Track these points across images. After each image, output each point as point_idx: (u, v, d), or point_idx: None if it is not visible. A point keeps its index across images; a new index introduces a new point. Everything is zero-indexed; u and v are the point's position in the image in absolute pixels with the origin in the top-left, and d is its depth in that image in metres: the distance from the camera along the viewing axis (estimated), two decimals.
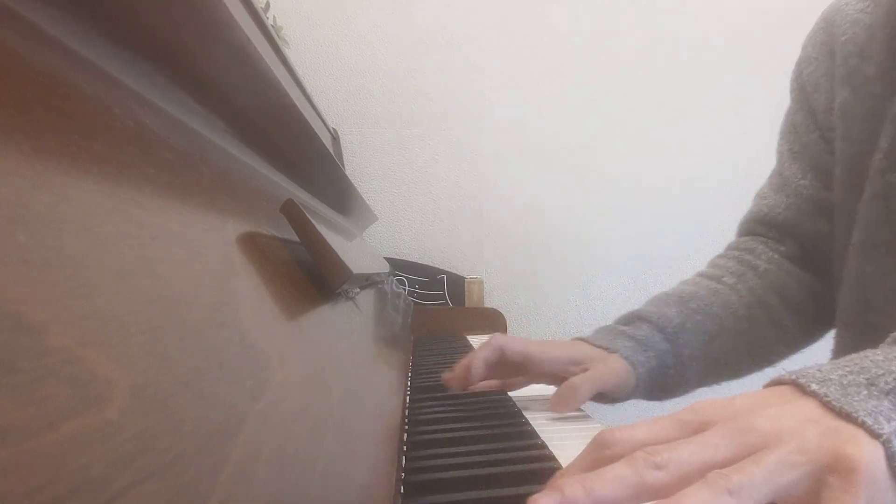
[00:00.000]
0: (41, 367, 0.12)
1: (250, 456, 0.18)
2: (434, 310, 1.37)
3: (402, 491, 0.37)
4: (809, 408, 0.29)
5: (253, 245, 0.30)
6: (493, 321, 1.31)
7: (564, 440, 0.49)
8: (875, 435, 0.26)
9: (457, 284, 1.41)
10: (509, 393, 0.64)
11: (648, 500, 0.26)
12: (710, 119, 1.54)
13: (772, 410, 0.29)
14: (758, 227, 0.70)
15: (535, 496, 0.25)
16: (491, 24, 1.47)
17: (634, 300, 1.56)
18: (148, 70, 0.27)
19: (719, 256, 0.72)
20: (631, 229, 1.53)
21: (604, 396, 0.58)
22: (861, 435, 0.26)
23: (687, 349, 0.61)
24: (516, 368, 0.60)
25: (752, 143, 1.55)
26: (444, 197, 1.48)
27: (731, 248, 0.72)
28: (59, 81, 0.19)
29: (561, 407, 0.55)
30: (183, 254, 0.21)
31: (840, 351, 0.60)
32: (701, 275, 0.70)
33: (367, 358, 0.47)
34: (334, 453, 0.26)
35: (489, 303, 1.45)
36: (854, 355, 0.32)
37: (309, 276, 0.39)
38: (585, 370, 0.56)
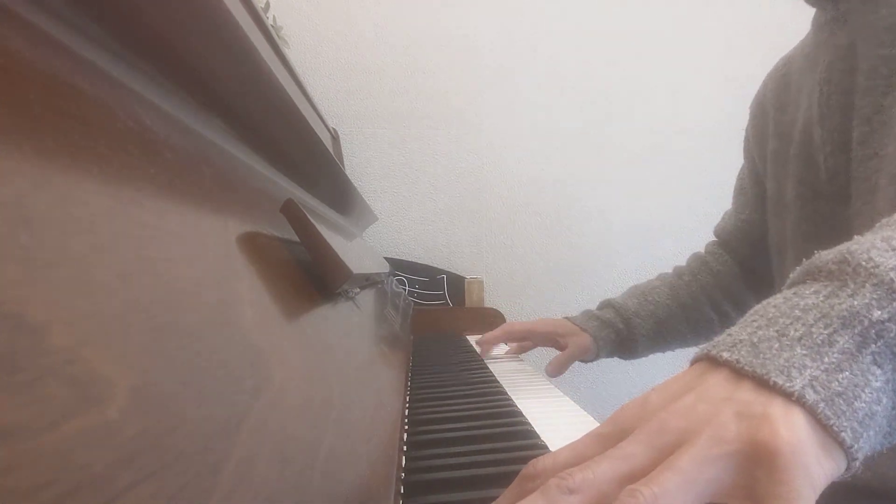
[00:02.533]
0: (42, 367, 0.12)
1: (250, 455, 0.18)
2: (434, 310, 1.37)
3: (402, 491, 0.37)
4: (722, 382, 0.27)
5: (253, 245, 0.30)
6: (492, 321, 1.31)
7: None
8: (787, 395, 0.25)
9: (457, 284, 1.41)
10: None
11: None
12: (713, 119, 1.54)
13: (685, 400, 0.27)
14: (717, 236, 0.92)
15: None
16: (491, 24, 1.47)
17: None
18: (148, 70, 0.27)
19: (695, 254, 0.95)
20: (632, 228, 1.53)
21: (580, 358, 0.87)
22: (774, 405, 0.25)
23: (638, 330, 0.87)
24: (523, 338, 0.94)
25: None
26: (444, 197, 1.48)
27: (706, 246, 0.94)
28: (60, 82, 0.19)
29: (554, 372, 0.85)
30: (183, 254, 0.21)
31: None
32: (675, 270, 0.94)
33: (367, 358, 0.47)
34: (334, 453, 0.26)
35: (489, 303, 1.45)
36: (758, 307, 0.31)
37: (309, 276, 0.39)
38: (566, 341, 0.88)
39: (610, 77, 1.51)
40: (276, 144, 0.46)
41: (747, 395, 0.26)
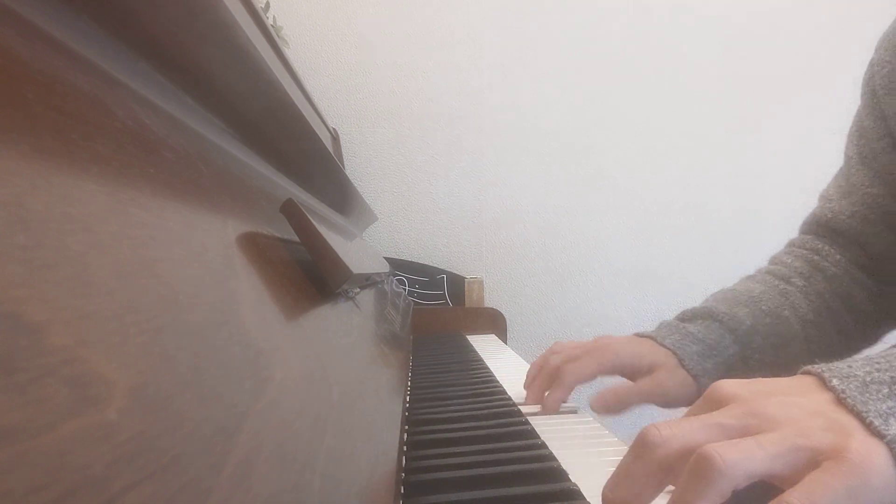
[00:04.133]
0: (41, 367, 0.12)
1: (250, 455, 0.18)
2: (434, 310, 1.37)
3: (402, 491, 0.37)
4: (822, 402, 0.29)
5: (253, 245, 0.30)
6: (493, 321, 1.31)
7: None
8: (879, 435, 0.27)
9: (457, 284, 1.41)
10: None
11: (661, 476, 0.28)
12: (711, 117, 1.54)
13: (785, 399, 0.30)
14: (822, 230, 0.67)
15: None
16: (491, 24, 1.47)
17: (634, 299, 1.56)
18: (148, 70, 0.27)
19: (784, 254, 0.69)
20: (631, 228, 1.53)
21: (659, 400, 0.56)
22: (861, 432, 0.27)
23: (756, 354, 0.59)
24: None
25: (753, 142, 1.55)
26: (444, 196, 1.48)
27: (794, 245, 0.69)
28: (59, 81, 0.19)
29: (601, 410, 0.54)
30: (183, 253, 0.21)
31: None
32: (768, 272, 0.67)
33: (367, 357, 0.47)
34: (334, 453, 0.26)
35: (489, 303, 1.45)
36: (890, 349, 0.33)
37: (309, 276, 0.39)
38: (648, 372, 0.55)
39: (610, 76, 1.51)
40: (276, 144, 0.46)
41: (841, 418, 0.28)
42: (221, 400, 0.18)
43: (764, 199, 1.55)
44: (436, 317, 1.33)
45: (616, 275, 1.52)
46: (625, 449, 0.50)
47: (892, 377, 0.29)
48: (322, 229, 0.38)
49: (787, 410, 0.29)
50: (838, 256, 0.64)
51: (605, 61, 1.51)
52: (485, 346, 1.08)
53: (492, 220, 1.50)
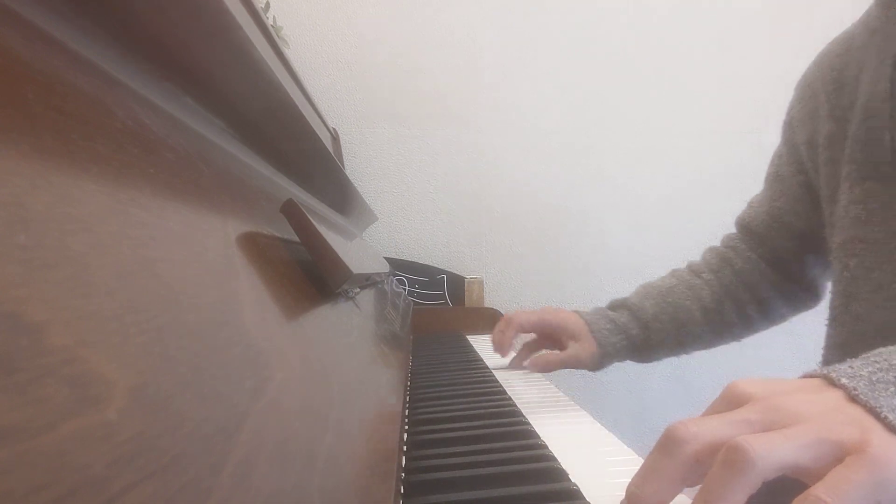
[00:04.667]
0: (41, 367, 0.12)
1: (250, 455, 0.18)
2: (434, 310, 1.37)
3: (402, 491, 0.37)
4: (836, 398, 0.31)
5: (253, 245, 0.30)
6: (493, 321, 1.31)
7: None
8: (895, 430, 0.28)
9: (457, 284, 1.41)
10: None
11: (688, 472, 0.29)
12: (713, 116, 1.54)
13: (802, 395, 0.31)
14: (742, 229, 0.83)
15: None
16: (491, 24, 1.47)
17: None
18: (148, 70, 0.27)
19: (709, 249, 0.87)
20: (631, 228, 1.53)
21: (572, 367, 0.79)
22: (881, 428, 0.28)
23: (656, 335, 0.79)
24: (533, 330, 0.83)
25: (754, 137, 1.55)
26: (443, 196, 1.48)
27: (723, 241, 0.86)
28: (59, 81, 0.19)
29: (538, 369, 0.79)
30: (183, 254, 0.21)
31: (830, 343, 0.65)
32: (689, 267, 0.86)
33: (367, 357, 0.47)
34: (334, 453, 0.26)
35: (489, 303, 1.45)
36: (883, 350, 0.34)
37: (309, 276, 0.39)
38: (568, 342, 0.78)
39: (609, 77, 1.51)
40: (276, 144, 0.46)
41: (857, 413, 0.29)
42: (221, 400, 0.18)
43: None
44: (436, 317, 1.33)
45: (616, 275, 1.52)
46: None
47: (895, 377, 0.31)
48: (322, 229, 0.38)
49: (808, 406, 0.30)
50: (749, 253, 0.81)
51: (605, 61, 1.51)
52: (485, 346, 1.08)
53: (492, 220, 1.50)
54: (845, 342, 0.60)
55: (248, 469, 0.18)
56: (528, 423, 0.52)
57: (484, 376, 0.74)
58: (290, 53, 1.08)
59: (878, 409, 0.29)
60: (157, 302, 0.18)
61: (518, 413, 0.55)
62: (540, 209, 1.50)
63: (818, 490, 0.25)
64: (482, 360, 0.88)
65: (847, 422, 0.29)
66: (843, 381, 0.31)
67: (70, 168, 0.17)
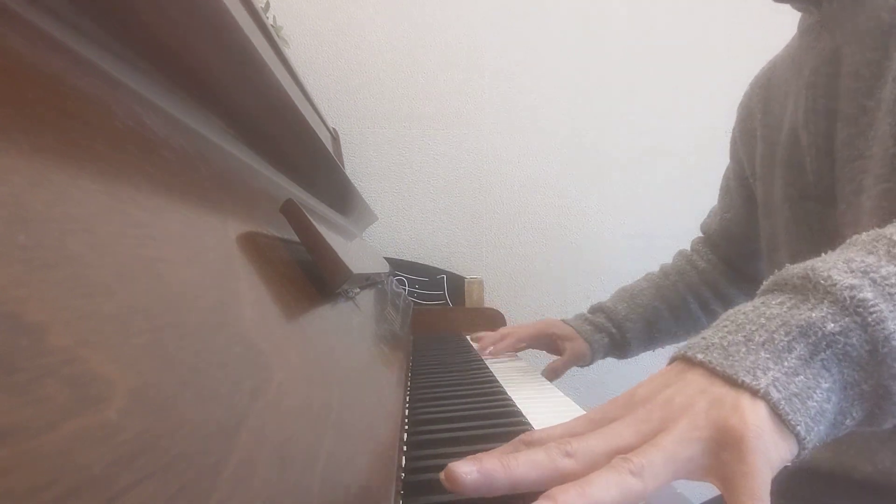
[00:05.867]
0: (41, 367, 0.12)
1: (250, 456, 0.18)
2: (434, 310, 1.37)
3: (402, 491, 0.37)
4: (697, 379, 0.31)
5: (253, 245, 0.30)
6: (493, 321, 1.31)
7: None
8: (754, 391, 0.29)
9: (457, 284, 1.41)
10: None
11: (557, 484, 0.27)
12: (712, 119, 1.54)
13: (666, 393, 0.31)
14: (703, 233, 0.94)
15: (454, 464, 0.28)
16: (491, 24, 1.47)
17: None
18: (148, 70, 0.27)
19: (680, 251, 0.98)
20: (630, 228, 1.53)
21: (577, 364, 0.91)
22: (742, 399, 0.29)
23: (629, 333, 0.91)
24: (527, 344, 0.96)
25: None
26: (443, 197, 1.48)
27: (692, 242, 0.96)
28: (59, 81, 0.19)
29: (552, 377, 0.88)
30: (183, 253, 0.21)
31: None
32: (661, 269, 0.96)
33: (367, 357, 0.47)
34: (334, 453, 0.26)
35: (489, 303, 1.45)
36: (729, 312, 0.35)
37: (309, 276, 0.39)
38: (564, 345, 0.91)
39: (609, 77, 1.51)
40: (276, 144, 0.46)
41: (719, 390, 0.30)
42: (221, 400, 0.18)
43: None
44: (436, 317, 1.33)
45: (615, 275, 1.52)
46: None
47: (744, 336, 0.32)
48: (322, 229, 0.38)
49: (672, 403, 0.30)
50: (710, 255, 0.91)
51: (606, 61, 1.51)
52: None
53: (492, 220, 1.50)
54: None
55: (248, 469, 0.18)
56: (529, 424, 0.51)
57: (484, 376, 0.74)
58: (290, 53, 1.08)
59: (734, 376, 0.30)
60: (157, 302, 0.18)
61: (518, 413, 0.55)
62: (540, 209, 1.50)
63: (740, 502, 0.27)
64: (482, 361, 0.88)
65: (710, 406, 0.29)
66: (699, 356, 0.32)
67: (70, 167, 0.17)
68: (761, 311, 0.33)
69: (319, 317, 0.37)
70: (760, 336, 0.31)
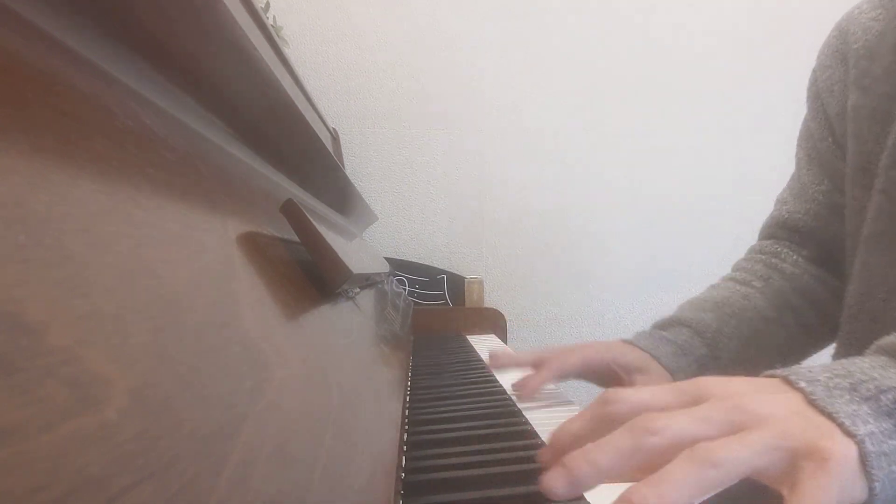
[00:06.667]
0: (40, 367, 0.12)
1: (250, 456, 0.18)
2: (434, 310, 1.37)
3: (402, 491, 0.37)
4: (796, 401, 0.32)
5: (253, 245, 0.30)
6: (493, 321, 1.31)
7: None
8: (851, 435, 0.29)
9: (457, 284, 1.41)
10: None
11: (644, 461, 0.29)
12: (712, 119, 1.54)
13: (763, 396, 0.32)
14: (779, 231, 0.72)
15: (546, 477, 0.29)
16: (491, 24, 1.47)
17: (633, 300, 1.56)
18: (148, 70, 0.27)
19: (744, 260, 0.74)
20: (630, 228, 1.53)
21: None
22: (838, 432, 0.30)
23: (725, 353, 0.64)
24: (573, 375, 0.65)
25: (754, 144, 1.55)
26: (444, 197, 1.48)
27: (754, 251, 0.75)
28: (59, 81, 0.19)
29: None
30: (183, 253, 0.21)
31: (842, 342, 0.61)
32: (730, 279, 0.72)
33: (367, 357, 0.47)
34: (334, 453, 0.26)
35: (489, 303, 1.45)
36: (843, 360, 0.35)
37: (309, 275, 0.39)
38: (634, 378, 0.61)
39: (610, 76, 1.51)
40: (276, 144, 0.46)
41: (816, 418, 0.31)
42: (221, 400, 0.18)
43: (764, 200, 1.55)
44: (436, 317, 1.33)
45: (616, 275, 1.52)
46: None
47: (850, 384, 0.32)
48: (322, 229, 0.38)
49: (768, 408, 0.31)
50: (795, 256, 0.70)
51: (606, 62, 1.51)
52: (485, 346, 1.08)
53: (492, 220, 1.50)
54: (858, 340, 0.56)
55: (248, 469, 0.18)
56: (529, 423, 0.51)
57: (484, 376, 0.74)
58: (290, 53, 1.08)
59: (834, 415, 0.30)
60: (156, 302, 0.18)
61: (518, 413, 0.55)
62: (541, 210, 1.50)
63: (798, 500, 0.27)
64: (482, 361, 0.88)
65: (806, 427, 0.30)
66: (802, 384, 0.32)
67: (70, 167, 0.17)
68: (875, 370, 0.33)
69: (319, 317, 0.37)
70: (868, 391, 0.32)
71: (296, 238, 0.38)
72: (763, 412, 0.30)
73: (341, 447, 0.27)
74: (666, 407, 0.32)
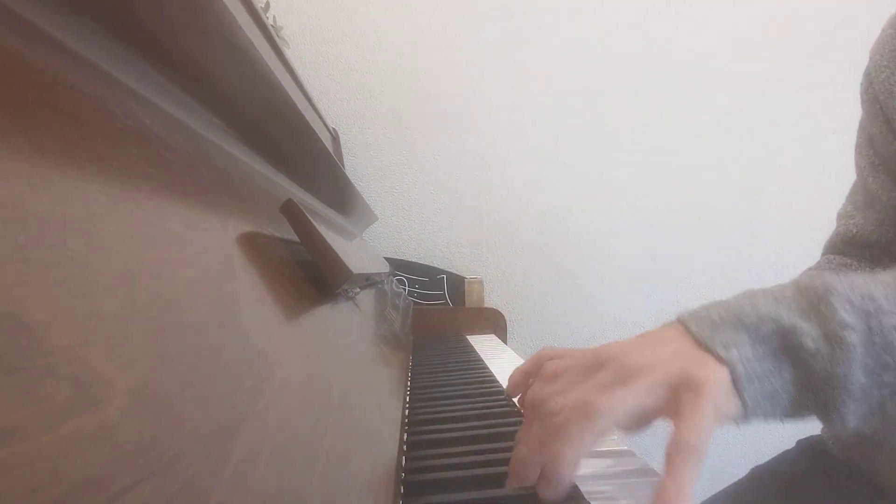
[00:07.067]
0: (41, 367, 0.12)
1: (250, 456, 0.18)
2: (434, 310, 1.37)
3: (402, 491, 0.37)
4: (682, 344, 0.36)
5: (253, 245, 0.30)
6: (493, 321, 1.31)
7: None
8: (722, 360, 0.34)
9: (457, 284, 1.41)
10: None
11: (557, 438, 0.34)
12: (712, 119, 1.54)
13: (650, 349, 0.37)
14: (847, 248, 0.65)
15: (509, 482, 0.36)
16: (491, 24, 1.47)
17: (634, 299, 1.56)
18: (148, 70, 0.27)
19: (813, 268, 0.66)
20: (630, 228, 1.53)
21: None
22: (711, 360, 0.34)
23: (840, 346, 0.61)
24: None
25: (754, 144, 1.55)
26: (444, 197, 1.48)
27: (820, 266, 0.66)
28: (59, 81, 0.19)
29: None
30: (183, 254, 0.21)
31: None
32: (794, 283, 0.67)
33: (367, 357, 0.47)
34: (334, 453, 0.26)
35: (489, 303, 1.45)
36: (750, 290, 0.39)
37: (309, 276, 0.39)
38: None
39: (610, 76, 1.51)
40: (276, 144, 0.46)
41: (692, 351, 0.35)
42: (221, 400, 0.18)
43: (764, 199, 1.55)
44: (436, 317, 1.33)
45: (616, 275, 1.52)
46: None
47: (737, 316, 0.36)
48: (322, 229, 0.38)
49: (651, 357, 0.35)
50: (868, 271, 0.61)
51: (606, 61, 1.51)
52: (485, 346, 1.08)
53: (492, 220, 1.50)
54: None
55: (248, 469, 0.18)
56: None
57: (484, 376, 0.74)
58: (290, 53, 1.08)
59: (711, 347, 0.35)
60: (156, 302, 0.18)
61: (518, 413, 0.55)
62: (540, 210, 1.50)
63: (681, 434, 0.31)
64: (482, 361, 0.88)
65: (684, 363, 0.34)
66: (692, 327, 0.37)
67: (70, 168, 0.17)
68: (767, 300, 0.37)
69: (319, 317, 0.37)
70: (749, 320, 0.36)
71: (296, 238, 0.38)
72: (645, 362, 0.35)
73: (341, 447, 0.27)
74: (574, 383, 0.37)
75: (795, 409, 0.36)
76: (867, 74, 0.61)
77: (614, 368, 0.36)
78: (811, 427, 0.47)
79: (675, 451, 0.31)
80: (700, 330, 0.36)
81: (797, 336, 0.35)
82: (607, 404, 0.33)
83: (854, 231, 0.63)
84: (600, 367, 0.37)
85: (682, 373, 0.34)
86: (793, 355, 0.35)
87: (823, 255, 0.69)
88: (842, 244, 0.65)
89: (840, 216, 0.67)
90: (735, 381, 0.34)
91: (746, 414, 0.34)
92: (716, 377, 0.33)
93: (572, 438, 0.33)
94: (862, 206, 0.64)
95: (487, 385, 0.68)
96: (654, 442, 0.59)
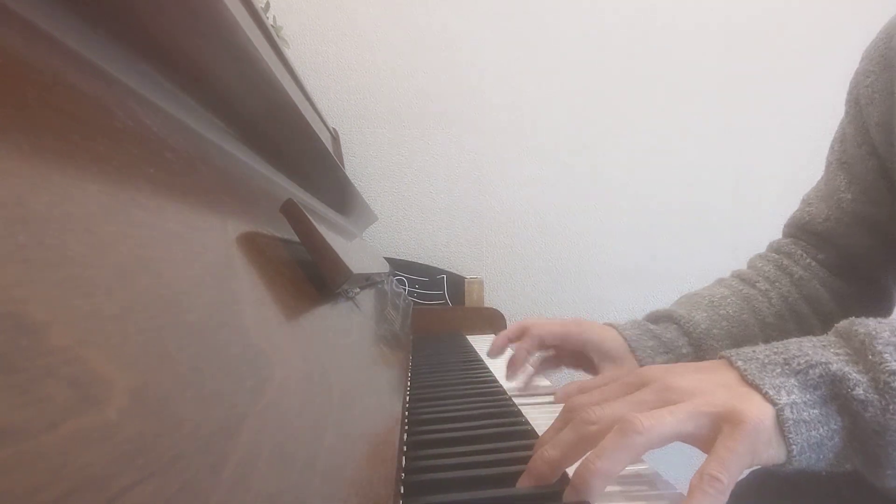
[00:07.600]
0: (41, 367, 0.12)
1: (250, 456, 0.18)
2: (434, 310, 1.37)
3: (402, 491, 0.37)
4: (728, 377, 0.36)
5: (253, 245, 0.30)
6: (492, 321, 1.31)
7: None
8: (771, 402, 0.33)
9: (457, 284, 1.41)
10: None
11: (590, 448, 0.34)
12: (711, 119, 1.54)
13: (696, 376, 0.36)
14: (799, 231, 0.71)
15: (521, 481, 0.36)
16: (491, 24, 1.47)
17: (633, 299, 1.56)
18: (148, 70, 0.27)
19: (759, 257, 0.74)
20: (630, 228, 1.53)
21: None
22: (757, 397, 0.34)
23: (709, 354, 0.64)
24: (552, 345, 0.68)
25: (754, 144, 1.55)
26: (444, 197, 1.48)
27: (772, 248, 0.74)
28: (60, 81, 0.19)
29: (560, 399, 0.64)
30: (183, 254, 0.21)
31: None
32: (738, 276, 0.72)
33: (367, 357, 0.47)
34: (334, 453, 0.26)
35: (489, 303, 1.45)
36: (794, 339, 0.39)
37: (309, 275, 0.39)
38: (605, 366, 0.63)
39: (610, 76, 1.51)
40: (276, 144, 0.46)
41: (743, 389, 0.35)
42: (221, 400, 0.18)
43: (762, 199, 1.55)
44: (436, 317, 1.33)
45: (616, 275, 1.52)
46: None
47: (784, 359, 0.36)
48: (322, 229, 0.38)
49: (698, 384, 0.35)
50: (809, 259, 0.69)
51: (605, 61, 1.51)
52: (485, 346, 1.08)
53: (492, 220, 1.50)
54: None
55: (248, 469, 0.18)
56: (528, 423, 0.51)
57: (484, 376, 0.74)
58: (290, 53, 1.08)
59: (760, 386, 0.34)
60: (156, 302, 0.18)
61: (518, 413, 0.55)
62: (540, 209, 1.50)
63: (708, 466, 0.30)
64: (482, 360, 0.88)
65: (730, 396, 0.34)
66: (738, 363, 0.36)
67: (70, 168, 0.17)
68: (813, 348, 0.36)
69: (319, 317, 0.37)
70: (798, 365, 0.35)
71: (296, 238, 0.38)
72: (691, 388, 0.35)
73: (341, 447, 0.27)
74: (615, 396, 0.37)
75: (839, 461, 0.35)
76: (855, 76, 0.64)
77: (658, 389, 0.36)
78: None
79: (700, 483, 0.30)
80: (747, 367, 0.36)
81: (847, 384, 0.34)
82: (647, 423, 0.32)
83: (807, 218, 0.69)
84: (643, 384, 0.37)
85: (727, 405, 0.33)
86: (842, 403, 0.34)
87: (783, 234, 0.75)
88: (795, 226, 0.72)
89: (802, 200, 0.72)
90: (782, 425, 0.33)
91: (790, 461, 0.33)
92: (761, 416, 0.32)
93: (607, 452, 0.32)
94: (821, 197, 0.68)
95: (487, 385, 0.68)
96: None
